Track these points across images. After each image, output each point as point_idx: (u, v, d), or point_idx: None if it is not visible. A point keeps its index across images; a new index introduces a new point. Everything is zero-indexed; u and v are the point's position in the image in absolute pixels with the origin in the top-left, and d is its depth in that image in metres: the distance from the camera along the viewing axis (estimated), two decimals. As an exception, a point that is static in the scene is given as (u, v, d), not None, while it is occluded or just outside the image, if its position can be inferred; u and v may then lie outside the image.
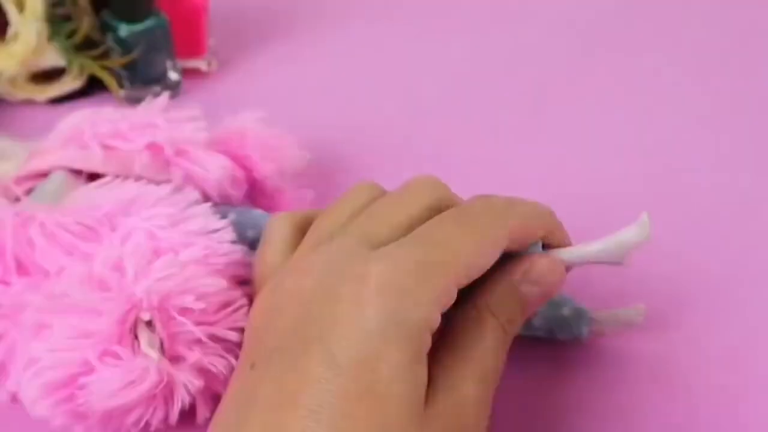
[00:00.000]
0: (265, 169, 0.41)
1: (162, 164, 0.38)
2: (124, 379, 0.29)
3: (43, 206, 0.34)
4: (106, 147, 0.37)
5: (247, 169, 0.41)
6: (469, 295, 0.30)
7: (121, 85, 0.53)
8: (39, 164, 0.37)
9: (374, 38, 0.62)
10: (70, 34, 0.52)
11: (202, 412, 0.33)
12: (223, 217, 0.36)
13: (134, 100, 0.50)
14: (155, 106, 0.40)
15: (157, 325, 0.30)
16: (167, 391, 0.31)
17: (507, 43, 0.61)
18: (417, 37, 0.62)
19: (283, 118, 0.43)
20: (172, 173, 0.38)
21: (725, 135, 0.52)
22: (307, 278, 0.28)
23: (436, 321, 0.27)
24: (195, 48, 0.55)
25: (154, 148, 0.38)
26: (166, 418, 0.32)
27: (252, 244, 0.36)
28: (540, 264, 0.30)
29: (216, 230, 0.34)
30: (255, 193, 0.42)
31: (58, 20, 0.51)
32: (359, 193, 0.32)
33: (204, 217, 0.35)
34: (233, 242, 0.34)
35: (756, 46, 0.60)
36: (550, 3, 0.66)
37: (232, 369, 0.32)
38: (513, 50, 0.60)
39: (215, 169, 0.38)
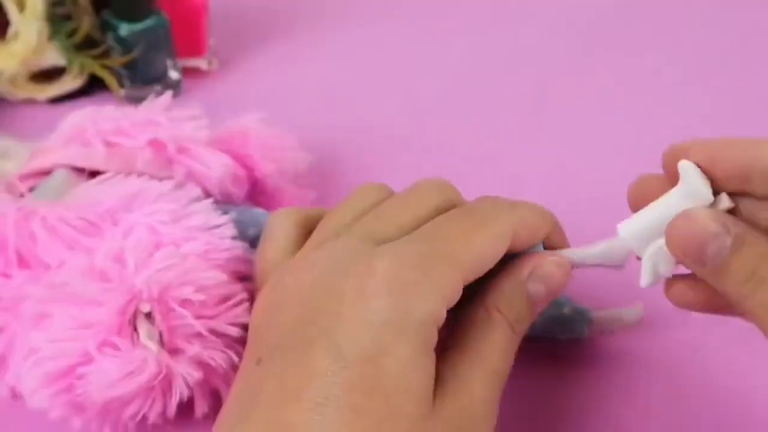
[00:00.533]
0: (266, 169, 0.41)
1: (164, 161, 0.38)
2: (123, 370, 0.29)
3: (45, 201, 0.34)
4: (108, 144, 0.38)
5: (248, 168, 0.41)
6: (477, 295, 0.30)
7: (121, 85, 0.53)
8: (41, 162, 0.38)
9: (374, 38, 0.62)
10: (71, 34, 0.52)
11: (200, 407, 0.33)
12: (224, 215, 0.36)
13: (135, 100, 0.50)
14: (158, 105, 0.40)
15: (157, 317, 0.30)
16: (165, 384, 0.31)
17: (507, 43, 0.61)
18: (417, 37, 0.62)
19: (282, 118, 0.43)
20: (174, 170, 0.38)
21: (725, 135, 0.52)
22: (308, 274, 0.28)
23: (442, 315, 0.27)
24: (195, 47, 0.55)
25: (156, 145, 0.38)
26: (164, 412, 0.32)
27: (253, 242, 0.36)
28: (547, 263, 0.30)
29: (217, 226, 0.34)
30: (255, 193, 0.42)
31: (58, 19, 0.51)
32: (366, 194, 0.32)
33: (205, 213, 0.35)
34: (234, 238, 0.35)
35: (756, 46, 0.60)
36: (550, 3, 0.66)
37: (231, 364, 0.32)
38: (513, 50, 0.60)
39: (217, 166, 0.38)
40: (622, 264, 0.31)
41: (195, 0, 0.54)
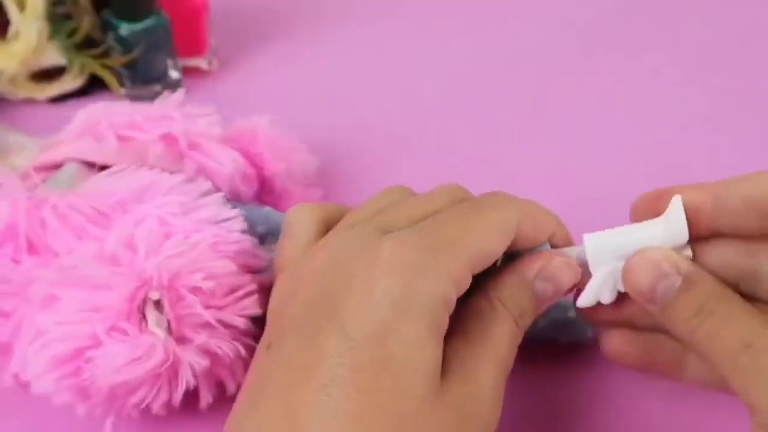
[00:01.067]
0: (275, 168, 0.41)
1: (175, 156, 0.38)
2: (130, 355, 0.29)
3: (56, 191, 0.35)
4: (121, 137, 0.38)
5: (257, 167, 0.41)
6: (482, 288, 0.30)
7: (121, 84, 0.53)
8: (53, 156, 0.38)
9: (374, 38, 0.62)
10: (71, 33, 0.52)
11: (205, 398, 0.33)
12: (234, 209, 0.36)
13: (135, 99, 0.50)
14: (171, 101, 0.40)
15: (166, 305, 0.30)
16: (172, 372, 0.31)
17: (507, 42, 0.61)
18: (417, 36, 0.62)
19: (282, 118, 0.43)
20: (185, 165, 0.38)
21: (725, 135, 0.52)
22: (319, 261, 0.28)
23: (451, 298, 0.27)
24: (195, 47, 0.55)
25: (168, 139, 0.38)
26: (169, 401, 0.32)
27: (261, 240, 0.36)
28: (555, 261, 0.30)
29: (226, 219, 0.34)
30: (263, 192, 0.43)
31: (58, 19, 0.51)
32: (388, 194, 0.33)
33: (215, 206, 0.35)
34: (243, 232, 0.35)
35: (756, 46, 0.60)
36: (551, 3, 0.66)
37: (238, 354, 0.32)
38: (513, 50, 0.60)
39: (227, 162, 0.39)
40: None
41: (195, 0, 0.54)
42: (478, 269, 0.28)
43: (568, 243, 0.32)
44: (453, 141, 0.51)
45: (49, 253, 0.32)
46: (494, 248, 0.29)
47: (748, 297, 0.28)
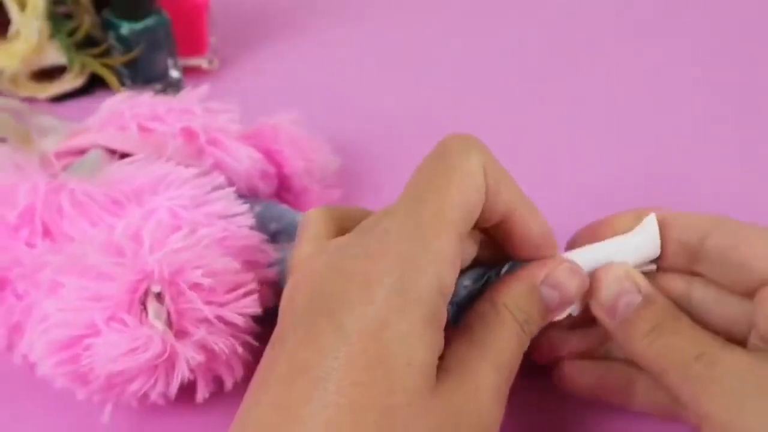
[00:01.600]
0: (295, 166, 0.42)
1: (194, 150, 0.38)
2: (128, 345, 0.29)
3: (75, 177, 0.35)
4: (142, 128, 0.38)
5: (277, 165, 0.41)
6: (488, 294, 0.30)
7: (122, 84, 0.53)
8: (78, 142, 0.38)
9: (376, 34, 0.62)
10: (72, 33, 0.52)
11: (201, 392, 0.33)
12: (246, 204, 0.36)
13: (135, 98, 0.50)
14: (194, 95, 0.41)
15: (167, 298, 0.30)
16: (169, 364, 0.31)
17: (514, 37, 0.61)
18: (420, 31, 0.62)
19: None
20: (203, 160, 0.38)
21: (727, 132, 0.52)
22: (321, 261, 0.29)
23: (447, 284, 0.27)
24: (196, 46, 0.55)
25: (188, 133, 0.38)
26: (166, 392, 0.32)
27: (273, 237, 0.36)
28: (562, 268, 0.30)
29: (236, 214, 0.34)
30: (282, 190, 0.43)
31: (59, 18, 0.51)
32: None
33: (226, 200, 0.35)
34: (252, 228, 0.35)
35: (757, 45, 0.60)
36: (551, 3, 0.66)
37: (235, 351, 0.32)
38: (527, 46, 0.60)
39: (244, 158, 0.39)
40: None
41: (196, -1, 0.54)
42: (466, 229, 0.28)
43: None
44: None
45: (64, 238, 0.33)
46: (474, 205, 0.28)
47: None
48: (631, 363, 0.31)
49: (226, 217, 0.34)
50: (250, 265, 0.34)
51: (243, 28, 0.62)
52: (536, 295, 0.30)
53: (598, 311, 0.30)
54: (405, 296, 0.26)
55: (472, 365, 0.27)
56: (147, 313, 0.30)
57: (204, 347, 0.31)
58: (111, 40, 0.52)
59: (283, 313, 0.29)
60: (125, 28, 0.51)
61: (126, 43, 0.51)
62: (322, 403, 0.25)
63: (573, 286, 0.30)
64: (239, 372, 0.34)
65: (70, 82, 0.53)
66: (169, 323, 0.30)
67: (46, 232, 0.33)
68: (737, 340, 0.29)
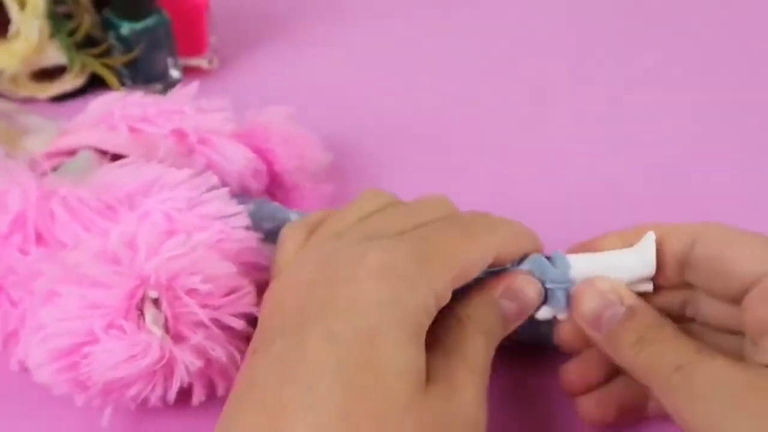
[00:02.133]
0: (287, 164, 0.42)
1: (185, 151, 0.38)
2: (126, 353, 0.29)
3: (66, 181, 0.35)
4: (133, 129, 0.38)
5: (268, 163, 0.41)
6: (451, 306, 0.30)
7: (122, 83, 0.53)
8: (68, 142, 0.38)
9: (376, 34, 0.62)
10: (72, 32, 0.52)
11: (197, 396, 0.33)
12: (241, 205, 0.36)
13: (135, 98, 0.50)
14: (185, 93, 0.40)
15: (164, 303, 0.30)
16: (167, 370, 0.31)
17: (511, 37, 0.61)
18: (421, 32, 0.62)
19: (283, 116, 0.43)
20: (195, 161, 0.38)
21: (727, 133, 0.52)
22: (307, 268, 0.29)
23: (432, 311, 0.28)
24: (196, 46, 0.55)
25: (179, 134, 0.38)
26: (164, 397, 0.32)
27: (267, 236, 0.36)
28: (517, 280, 0.31)
29: (231, 215, 0.34)
30: (273, 187, 0.43)
31: (59, 18, 0.51)
32: (369, 200, 0.33)
33: (221, 201, 0.35)
34: (248, 229, 0.35)
35: (757, 44, 0.60)
36: (550, 4, 0.66)
37: (231, 356, 0.32)
38: (518, 45, 0.60)
39: (237, 159, 0.39)
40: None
41: (196, -1, 0.54)
42: (459, 285, 0.29)
43: None
44: (462, 135, 0.51)
45: (57, 244, 0.33)
46: (475, 269, 0.30)
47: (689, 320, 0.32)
48: None
49: (221, 218, 0.34)
50: (246, 266, 0.34)
51: (243, 28, 0.62)
52: (495, 306, 0.31)
53: (583, 324, 0.31)
54: (396, 308, 0.27)
55: (449, 373, 0.28)
56: (144, 319, 0.30)
57: (201, 352, 0.32)
58: (111, 39, 0.52)
59: (267, 318, 0.29)
60: (125, 27, 0.51)
61: (126, 43, 0.51)
62: (312, 408, 0.25)
63: (530, 295, 0.31)
64: (234, 376, 0.33)
65: (71, 81, 0.53)
66: (166, 328, 0.30)
67: (39, 239, 0.33)
68: (738, 349, 0.30)
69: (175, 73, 0.54)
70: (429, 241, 0.29)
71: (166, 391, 0.32)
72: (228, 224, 0.34)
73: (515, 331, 0.32)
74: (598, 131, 0.52)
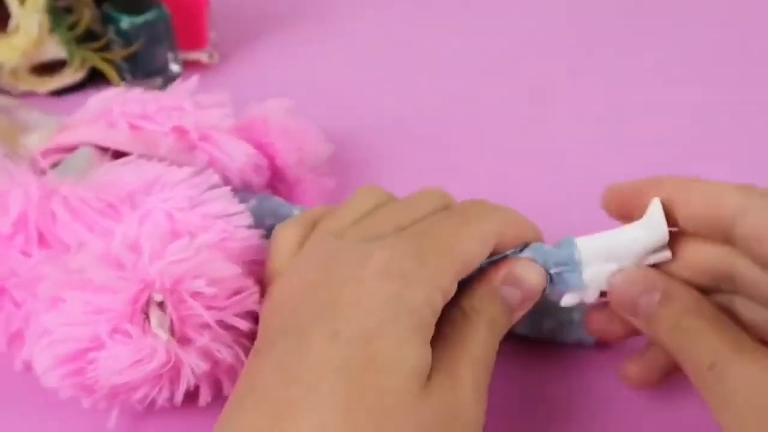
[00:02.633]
0: (287, 158, 0.41)
1: (186, 148, 0.38)
2: (132, 357, 0.29)
3: (67, 180, 0.35)
4: (133, 127, 0.38)
5: (269, 157, 0.41)
6: (455, 298, 0.30)
7: (122, 78, 0.53)
8: (66, 139, 0.38)
9: (377, 29, 0.62)
10: (72, 27, 0.52)
11: (204, 397, 0.33)
12: (243, 203, 0.36)
13: (135, 93, 0.50)
14: (184, 89, 0.40)
15: (169, 306, 0.30)
16: (173, 372, 0.31)
17: (510, 34, 0.61)
18: (422, 27, 0.62)
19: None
20: (196, 157, 0.38)
21: (727, 132, 0.52)
22: (310, 270, 0.29)
23: (438, 304, 0.28)
24: (196, 40, 0.55)
25: (179, 131, 0.38)
26: (171, 398, 0.32)
27: (269, 232, 0.36)
28: (518, 267, 0.31)
29: (234, 214, 0.34)
30: (275, 181, 0.43)
31: (59, 12, 0.51)
32: (365, 197, 0.33)
33: (223, 200, 0.35)
34: (250, 227, 0.35)
35: (758, 44, 0.60)
36: (550, 3, 0.66)
37: (236, 357, 0.32)
38: (517, 42, 0.60)
39: (239, 156, 0.39)
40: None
41: (196, -7, 0.54)
42: (463, 276, 0.29)
43: None
44: (462, 132, 0.52)
45: (60, 245, 0.33)
46: (478, 257, 0.30)
47: (730, 296, 0.30)
48: None
49: (223, 217, 0.34)
50: (251, 265, 0.34)
51: (243, 23, 0.61)
52: (497, 295, 0.31)
53: (623, 313, 0.31)
54: (399, 306, 0.27)
55: (450, 365, 0.28)
56: (150, 323, 0.30)
57: (207, 354, 0.32)
58: (111, 34, 0.52)
59: (269, 320, 0.29)
60: (125, 22, 0.51)
61: (126, 37, 0.51)
62: (314, 407, 0.25)
63: (532, 280, 0.31)
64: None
65: (71, 76, 0.53)
66: (172, 331, 0.30)
67: (41, 239, 0.33)
68: None
69: (175, 68, 0.54)
70: (429, 235, 0.29)
71: (172, 393, 0.32)
72: (230, 223, 0.34)
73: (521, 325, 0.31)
74: (598, 131, 0.52)
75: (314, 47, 0.60)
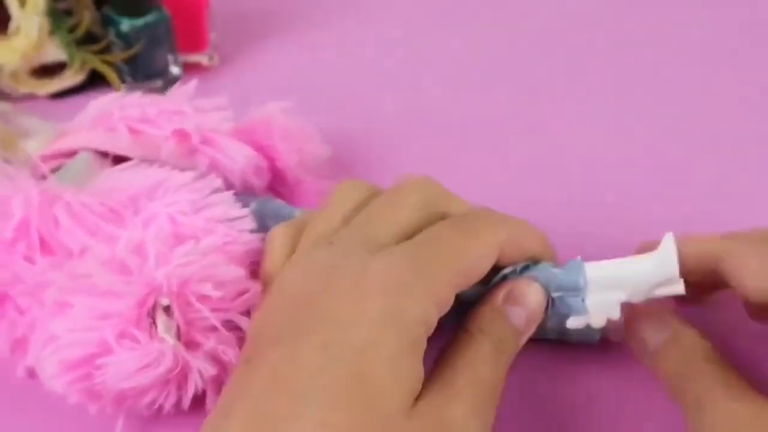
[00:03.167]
0: (288, 160, 0.41)
1: (187, 151, 0.38)
2: (140, 362, 0.29)
3: (68, 186, 0.35)
4: (133, 131, 0.38)
5: (270, 159, 0.41)
6: (461, 322, 0.30)
7: (122, 80, 0.53)
8: (66, 144, 0.38)
9: (377, 31, 0.62)
10: (72, 29, 0.52)
11: (211, 401, 0.33)
12: (245, 206, 0.36)
13: (136, 95, 0.50)
14: (183, 93, 0.40)
15: (175, 310, 0.30)
16: (181, 377, 0.31)
17: (509, 35, 0.61)
18: (421, 29, 0.62)
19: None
20: (198, 161, 0.38)
21: (727, 132, 0.52)
22: (305, 279, 0.29)
23: (433, 321, 0.28)
24: (196, 42, 0.55)
25: (180, 134, 0.38)
26: (178, 403, 0.32)
27: None
28: (518, 286, 0.31)
29: (237, 218, 0.34)
30: (276, 183, 0.43)
31: (59, 14, 0.51)
32: (347, 193, 0.33)
33: (226, 204, 0.35)
34: (252, 231, 0.35)
35: (758, 43, 0.60)
36: (550, 2, 0.66)
37: None
38: (520, 43, 0.60)
39: (240, 158, 0.39)
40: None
41: (196, -5, 0.54)
42: (463, 288, 0.29)
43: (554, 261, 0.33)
44: (462, 130, 0.51)
45: (63, 250, 0.33)
46: (480, 269, 0.30)
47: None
48: None
49: (226, 221, 0.34)
50: (254, 266, 0.34)
51: (244, 25, 0.61)
52: (503, 315, 0.30)
53: (633, 344, 0.32)
54: (392, 322, 0.26)
55: (446, 384, 0.27)
56: (156, 327, 0.30)
57: (215, 358, 0.32)
58: (111, 36, 0.52)
59: (261, 328, 0.29)
60: (125, 24, 0.51)
61: (126, 40, 0.51)
62: (297, 419, 0.25)
63: (531, 298, 0.31)
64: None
65: (71, 78, 0.53)
66: (178, 335, 0.30)
67: (44, 245, 0.33)
68: None
69: (175, 70, 0.54)
70: (430, 246, 0.29)
71: (180, 398, 0.32)
72: (233, 227, 0.34)
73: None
74: (598, 130, 0.52)
75: (314, 49, 0.60)
